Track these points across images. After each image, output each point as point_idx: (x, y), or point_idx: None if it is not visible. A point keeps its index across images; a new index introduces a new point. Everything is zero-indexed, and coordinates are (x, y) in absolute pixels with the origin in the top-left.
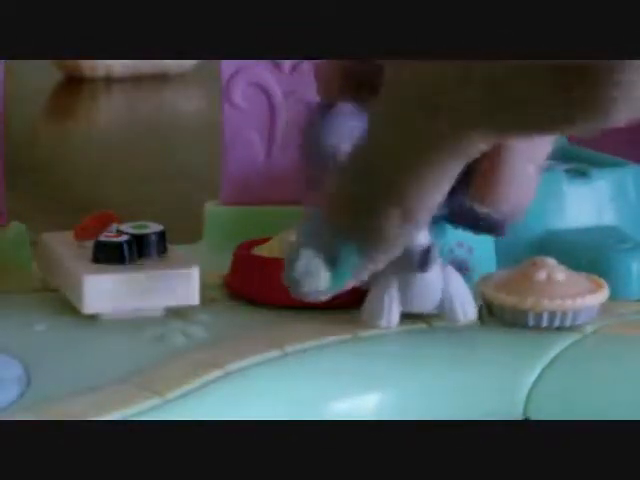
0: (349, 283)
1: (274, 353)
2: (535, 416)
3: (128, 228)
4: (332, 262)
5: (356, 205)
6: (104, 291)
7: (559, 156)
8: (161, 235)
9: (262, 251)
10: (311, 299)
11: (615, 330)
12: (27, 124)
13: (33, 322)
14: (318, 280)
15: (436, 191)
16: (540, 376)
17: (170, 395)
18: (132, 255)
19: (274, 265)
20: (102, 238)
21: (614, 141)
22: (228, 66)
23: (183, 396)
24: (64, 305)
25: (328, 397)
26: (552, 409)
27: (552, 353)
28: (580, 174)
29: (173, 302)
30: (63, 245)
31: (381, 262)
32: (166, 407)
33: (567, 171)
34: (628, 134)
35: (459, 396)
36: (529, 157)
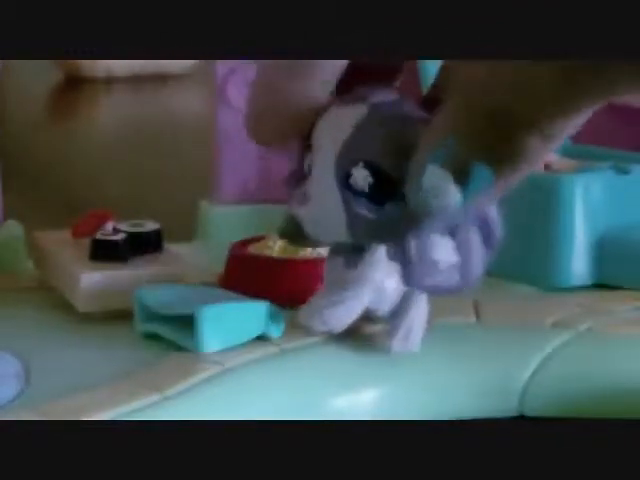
0: (479, 200)
1: (271, 350)
2: (529, 413)
3: (124, 226)
4: (461, 176)
5: (495, 122)
6: (100, 289)
7: (575, 155)
8: (157, 233)
9: (257, 250)
10: (440, 218)
11: (609, 328)
12: (26, 124)
13: (31, 320)
14: (446, 194)
15: (578, 114)
16: (534, 374)
17: (169, 392)
18: (129, 253)
19: (269, 264)
20: (99, 236)
21: (615, 134)
22: (223, 66)
23: (182, 393)
24: (62, 303)
25: (325, 395)
26: (546, 407)
27: (546, 351)
28: (622, 171)
29: None
30: (58, 243)
31: (514, 179)
32: (165, 404)
33: (609, 169)
34: (627, 126)
35: (454, 394)
36: None
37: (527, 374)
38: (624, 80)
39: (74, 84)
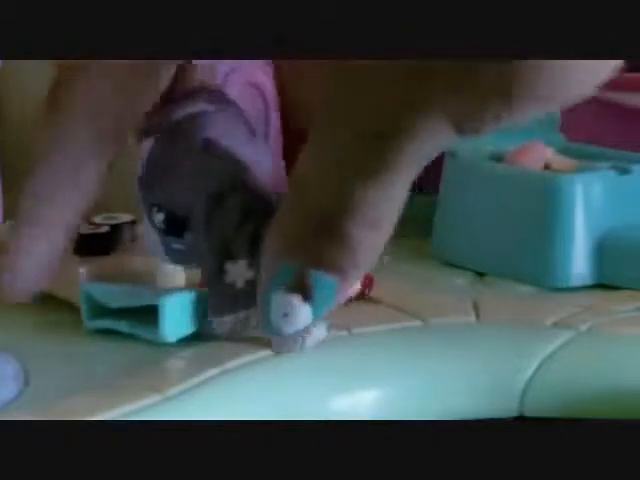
0: (333, 307)
1: (271, 350)
2: (529, 414)
3: (100, 219)
4: (306, 292)
5: (321, 223)
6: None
7: (575, 155)
8: (133, 224)
9: None
10: (296, 345)
11: (609, 328)
12: (26, 124)
13: (30, 320)
14: (298, 317)
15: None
16: (534, 374)
17: (169, 392)
18: (111, 245)
19: None
20: (84, 231)
21: (615, 134)
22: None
23: (183, 393)
24: (61, 303)
25: (324, 394)
26: (546, 407)
27: (546, 351)
28: (622, 171)
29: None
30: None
31: (355, 278)
32: (166, 404)
33: (608, 169)
34: (627, 126)
35: (453, 394)
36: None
37: (527, 374)
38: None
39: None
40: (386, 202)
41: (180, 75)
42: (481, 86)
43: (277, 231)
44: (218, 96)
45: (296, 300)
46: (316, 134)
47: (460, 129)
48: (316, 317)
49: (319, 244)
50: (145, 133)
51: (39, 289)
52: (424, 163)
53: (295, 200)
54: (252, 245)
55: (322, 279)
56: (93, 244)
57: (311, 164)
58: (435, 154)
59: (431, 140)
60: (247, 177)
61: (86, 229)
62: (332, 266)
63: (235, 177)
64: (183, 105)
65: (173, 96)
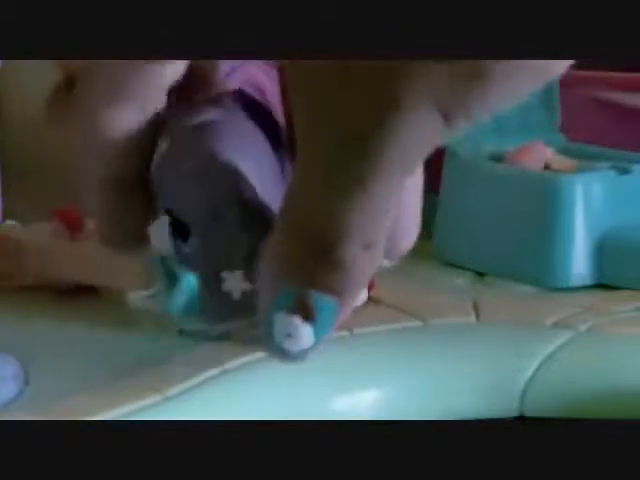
0: (334, 327)
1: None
2: (529, 414)
3: None
4: (307, 313)
5: (312, 251)
6: None
7: (575, 155)
8: None
9: None
10: (299, 361)
11: (609, 328)
12: (26, 124)
13: (31, 320)
14: (301, 338)
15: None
16: (534, 374)
17: (170, 392)
18: None
19: None
20: None
21: (615, 134)
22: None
23: (183, 393)
24: (62, 303)
25: (324, 394)
26: (546, 407)
27: (546, 351)
28: (622, 171)
29: None
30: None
31: (353, 299)
32: (166, 404)
33: (608, 169)
34: (627, 126)
35: (453, 394)
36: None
37: (527, 374)
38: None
39: (74, 84)
40: (376, 217)
41: (199, 75)
42: (464, 66)
43: (273, 253)
44: (239, 102)
45: (298, 320)
46: (302, 139)
47: (448, 118)
48: (318, 338)
49: (315, 267)
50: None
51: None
52: (412, 168)
53: (289, 221)
54: (249, 257)
55: (322, 300)
56: None
57: (300, 178)
58: (423, 156)
59: (418, 135)
60: (247, 190)
61: None
62: (329, 289)
63: (235, 190)
64: (201, 112)
65: (192, 98)
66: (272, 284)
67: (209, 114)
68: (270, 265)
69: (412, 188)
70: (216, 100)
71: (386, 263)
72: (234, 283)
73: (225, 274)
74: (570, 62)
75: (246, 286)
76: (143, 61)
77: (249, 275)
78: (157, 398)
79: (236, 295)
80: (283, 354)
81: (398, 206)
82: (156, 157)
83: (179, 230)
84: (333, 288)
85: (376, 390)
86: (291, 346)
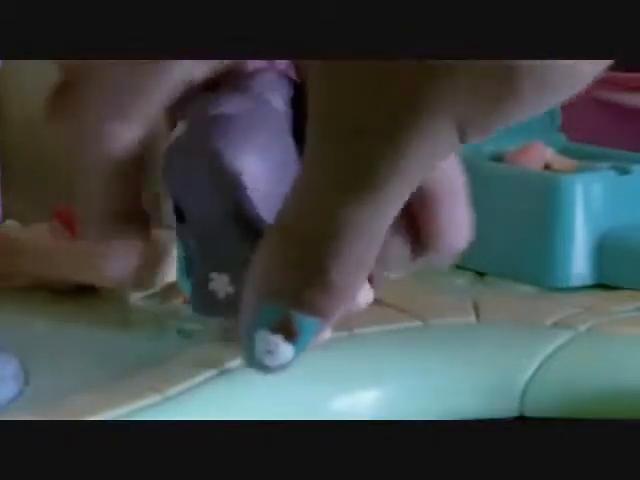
0: (314, 343)
1: None
2: (529, 414)
3: None
4: (289, 333)
5: (296, 270)
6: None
7: (575, 155)
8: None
9: None
10: (276, 373)
11: (609, 328)
12: (26, 124)
13: (31, 320)
14: (280, 355)
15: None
16: (534, 374)
17: (169, 392)
18: None
19: None
20: None
21: (615, 134)
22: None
23: (183, 393)
24: (62, 303)
25: (325, 395)
26: (546, 407)
27: (546, 351)
28: (622, 171)
29: None
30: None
31: (336, 317)
32: (166, 404)
33: (608, 169)
34: (627, 126)
35: (453, 394)
36: (458, 197)
37: (527, 374)
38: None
39: (74, 84)
40: (369, 233)
41: (226, 71)
42: (494, 84)
43: (261, 265)
44: (272, 88)
45: (280, 340)
46: (311, 139)
47: (465, 134)
48: (297, 354)
49: (304, 288)
50: (175, 117)
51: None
52: (415, 181)
53: (277, 240)
54: (238, 263)
55: (306, 321)
56: None
57: (302, 179)
58: (428, 171)
59: (430, 144)
60: (246, 200)
61: None
62: (315, 311)
63: (233, 199)
64: (222, 102)
65: (221, 82)
66: (257, 300)
67: (228, 106)
68: (257, 278)
69: (458, 182)
70: (243, 87)
71: (439, 263)
72: (220, 284)
73: (213, 275)
74: (589, 80)
75: (230, 290)
76: (144, 79)
77: (235, 279)
78: (157, 398)
79: (221, 295)
80: (262, 368)
81: (450, 202)
82: (170, 139)
83: (179, 219)
84: (320, 310)
85: (376, 390)
86: (270, 362)
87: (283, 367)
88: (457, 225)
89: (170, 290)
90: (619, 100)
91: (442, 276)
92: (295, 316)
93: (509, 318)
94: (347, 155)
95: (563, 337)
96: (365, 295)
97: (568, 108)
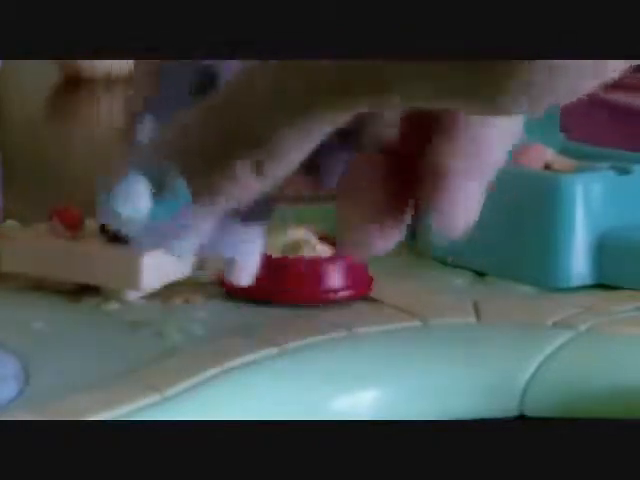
0: (176, 217)
1: (271, 350)
2: (529, 414)
3: None
4: (160, 188)
5: (206, 150)
6: (155, 268)
7: (575, 155)
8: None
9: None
10: (130, 232)
11: (609, 328)
12: (26, 124)
13: (31, 320)
14: (138, 204)
15: (293, 150)
16: (534, 374)
17: (169, 392)
18: None
19: (270, 263)
20: None
21: (615, 134)
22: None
23: (182, 393)
24: (62, 302)
25: (325, 395)
26: (546, 407)
27: (546, 351)
28: (622, 171)
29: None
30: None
31: (218, 206)
32: (165, 404)
33: (608, 169)
34: (627, 126)
35: (453, 394)
36: (473, 176)
37: (527, 374)
38: (399, 82)
39: (74, 84)
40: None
41: None
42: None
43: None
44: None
45: (146, 187)
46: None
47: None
48: (156, 216)
49: (204, 164)
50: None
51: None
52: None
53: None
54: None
55: (182, 186)
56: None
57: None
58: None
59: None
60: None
61: None
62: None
63: None
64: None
65: None
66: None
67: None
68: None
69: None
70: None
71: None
72: None
73: None
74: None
75: None
76: None
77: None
78: (157, 398)
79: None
80: (114, 214)
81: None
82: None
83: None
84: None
85: (376, 390)
86: (124, 206)
87: (135, 220)
88: (462, 201)
89: (170, 290)
90: (619, 100)
91: (442, 276)
92: (177, 179)
93: (509, 318)
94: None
95: (563, 337)
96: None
97: (568, 108)
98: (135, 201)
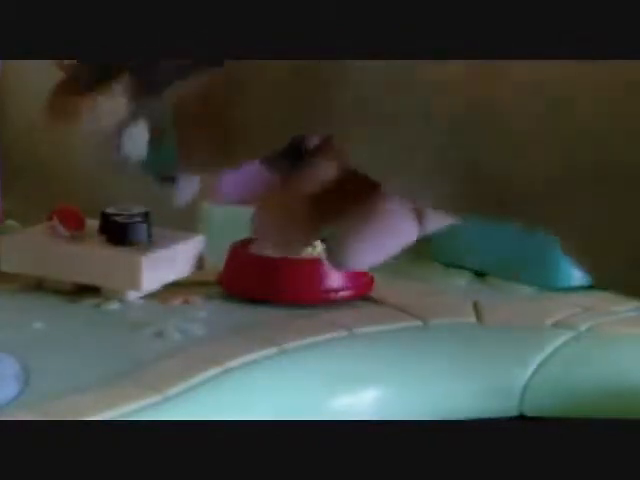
0: (169, 166)
1: (271, 350)
2: (529, 413)
3: (114, 210)
4: (154, 140)
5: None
6: (155, 268)
7: None
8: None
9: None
10: (129, 168)
11: (609, 328)
12: (26, 124)
13: (31, 320)
14: (139, 145)
15: None
16: (534, 374)
17: (169, 392)
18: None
19: (269, 264)
20: (120, 220)
21: None
22: None
23: (182, 393)
24: (62, 303)
25: (325, 395)
26: (546, 407)
27: (546, 351)
28: None
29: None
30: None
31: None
32: (166, 404)
33: None
34: None
35: (454, 394)
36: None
37: (527, 374)
38: None
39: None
40: None
41: None
42: None
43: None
44: None
45: (146, 134)
46: None
47: None
48: (153, 161)
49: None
50: None
51: None
52: None
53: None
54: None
55: (171, 147)
56: (130, 233)
57: None
58: None
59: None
60: None
61: (122, 218)
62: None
63: None
64: None
65: None
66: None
67: None
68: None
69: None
70: None
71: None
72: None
73: None
74: None
75: None
76: None
77: None
78: (157, 398)
79: None
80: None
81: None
82: None
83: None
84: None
85: (376, 390)
86: (126, 144)
87: (135, 164)
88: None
89: (170, 290)
90: None
91: (442, 276)
92: (170, 138)
93: (509, 318)
94: None
95: (563, 337)
96: None
97: None
98: (137, 143)
